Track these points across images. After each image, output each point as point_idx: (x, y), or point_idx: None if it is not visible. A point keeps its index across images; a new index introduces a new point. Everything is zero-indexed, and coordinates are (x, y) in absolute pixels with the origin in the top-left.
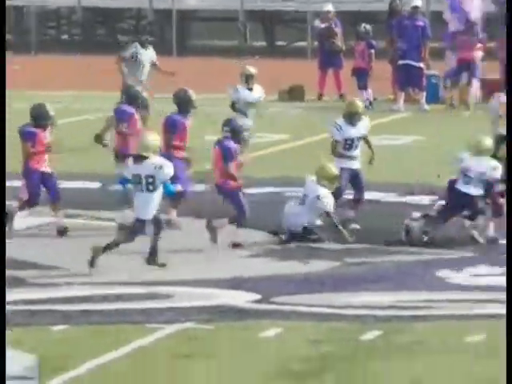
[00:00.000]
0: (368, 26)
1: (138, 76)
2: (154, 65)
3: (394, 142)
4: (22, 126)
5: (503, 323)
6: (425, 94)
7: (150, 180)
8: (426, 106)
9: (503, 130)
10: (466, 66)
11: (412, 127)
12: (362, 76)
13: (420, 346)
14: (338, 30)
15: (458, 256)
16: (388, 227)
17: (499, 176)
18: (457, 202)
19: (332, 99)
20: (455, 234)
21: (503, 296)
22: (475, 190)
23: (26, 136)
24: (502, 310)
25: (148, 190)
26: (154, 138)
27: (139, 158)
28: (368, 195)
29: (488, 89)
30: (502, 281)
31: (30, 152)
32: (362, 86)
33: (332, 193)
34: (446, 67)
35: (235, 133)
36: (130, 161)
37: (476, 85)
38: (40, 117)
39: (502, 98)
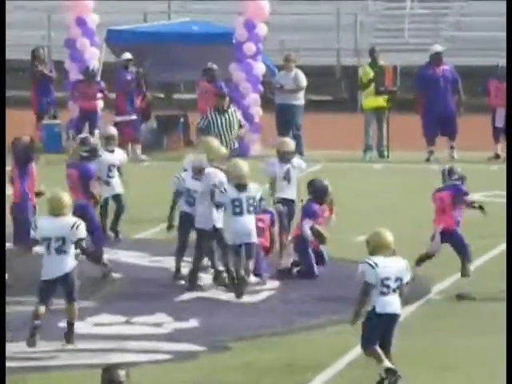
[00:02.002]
0: None
1: None
2: None
3: None
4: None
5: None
6: None
7: None
8: None
9: None
10: (87, 116)
11: None
12: None
13: None
14: None
15: (81, 306)
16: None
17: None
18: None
19: None
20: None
21: (124, 344)
22: None
23: None
24: (122, 358)
25: None
26: None
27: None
28: None
29: None
30: (124, 329)
31: None
32: None
33: None
34: (69, 117)
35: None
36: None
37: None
38: None
39: None
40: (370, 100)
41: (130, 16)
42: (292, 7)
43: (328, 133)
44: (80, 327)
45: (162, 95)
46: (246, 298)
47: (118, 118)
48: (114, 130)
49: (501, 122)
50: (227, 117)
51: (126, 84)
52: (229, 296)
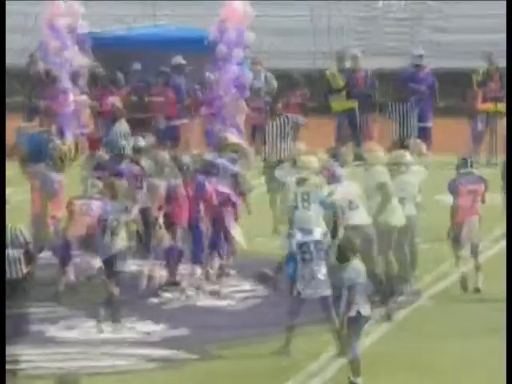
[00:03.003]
0: None
1: None
2: None
3: None
4: None
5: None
6: None
7: None
8: None
9: None
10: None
11: None
12: None
13: None
14: None
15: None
16: None
17: None
18: None
19: None
20: None
21: (93, 350)
22: None
23: None
24: (102, 363)
25: None
26: None
27: None
28: None
29: None
30: (109, 336)
31: None
32: None
33: None
34: None
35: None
36: None
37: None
38: None
39: None
40: (340, 102)
41: (103, 20)
42: (266, 10)
43: (304, 135)
44: (52, 330)
45: (135, 98)
46: (226, 302)
47: (176, 122)
48: (143, 142)
49: (483, 126)
50: (277, 123)
51: (180, 88)
52: (212, 303)
